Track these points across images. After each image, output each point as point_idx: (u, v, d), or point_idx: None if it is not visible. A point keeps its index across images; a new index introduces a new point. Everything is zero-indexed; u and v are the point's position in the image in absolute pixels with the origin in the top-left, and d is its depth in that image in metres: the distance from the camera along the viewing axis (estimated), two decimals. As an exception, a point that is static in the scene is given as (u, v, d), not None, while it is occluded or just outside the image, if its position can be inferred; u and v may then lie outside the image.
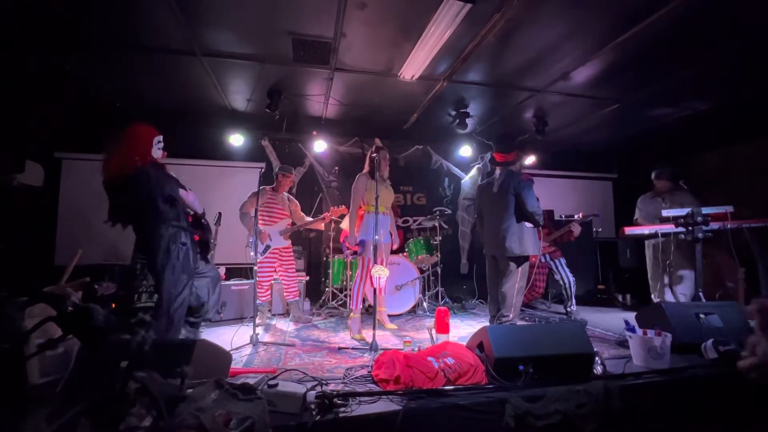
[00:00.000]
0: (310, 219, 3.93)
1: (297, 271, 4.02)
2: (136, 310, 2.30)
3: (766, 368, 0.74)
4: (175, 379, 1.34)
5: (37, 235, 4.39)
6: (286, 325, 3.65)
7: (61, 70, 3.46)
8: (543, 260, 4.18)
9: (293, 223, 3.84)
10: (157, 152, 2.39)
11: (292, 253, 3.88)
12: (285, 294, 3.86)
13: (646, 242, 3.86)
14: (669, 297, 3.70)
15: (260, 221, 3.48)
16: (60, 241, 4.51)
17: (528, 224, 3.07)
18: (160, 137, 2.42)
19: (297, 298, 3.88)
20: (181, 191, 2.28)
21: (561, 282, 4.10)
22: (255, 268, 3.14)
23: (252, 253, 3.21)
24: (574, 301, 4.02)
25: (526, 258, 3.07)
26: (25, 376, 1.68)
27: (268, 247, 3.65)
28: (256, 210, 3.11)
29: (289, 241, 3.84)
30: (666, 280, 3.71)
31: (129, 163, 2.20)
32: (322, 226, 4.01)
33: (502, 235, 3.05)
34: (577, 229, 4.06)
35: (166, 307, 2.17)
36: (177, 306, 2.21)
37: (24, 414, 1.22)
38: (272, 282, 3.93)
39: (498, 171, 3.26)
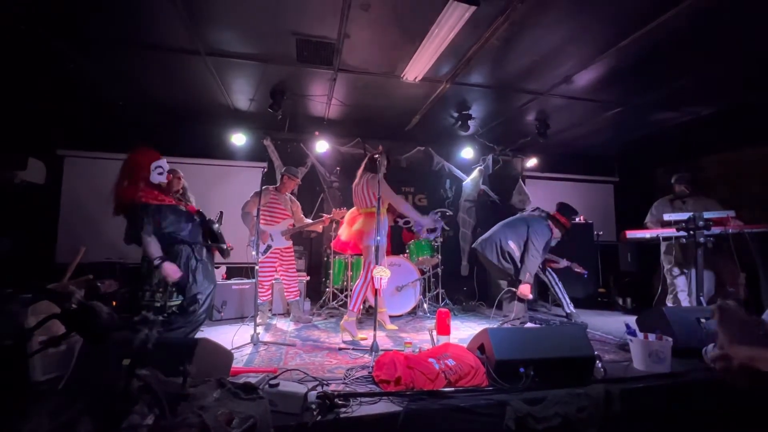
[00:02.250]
0: (309, 221, 3.92)
1: (297, 271, 4.02)
2: (140, 308, 2.31)
3: (726, 359, 0.81)
4: (177, 378, 1.35)
5: (38, 232, 4.40)
6: (286, 325, 3.65)
7: (64, 68, 3.47)
8: None
9: (295, 224, 3.85)
10: (156, 177, 2.41)
11: (293, 253, 3.89)
12: (285, 294, 3.87)
13: (664, 244, 3.82)
14: (684, 300, 3.68)
15: (262, 221, 3.48)
16: (61, 239, 4.52)
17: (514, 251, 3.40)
18: (160, 162, 2.44)
19: (297, 298, 3.88)
20: (147, 243, 2.33)
21: (545, 281, 4.10)
22: (256, 267, 3.14)
23: (253, 253, 3.21)
24: (568, 300, 4.00)
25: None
26: (27, 373, 1.68)
27: (269, 247, 3.65)
28: (258, 210, 3.12)
29: (291, 242, 3.84)
30: (682, 282, 3.70)
31: (124, 199, 2.34)
32: (320, 228, 3.98)
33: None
34: (563, 264, 4.03)
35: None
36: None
37: (26, 411, 1.22)
38: (273, 282, 3.94)
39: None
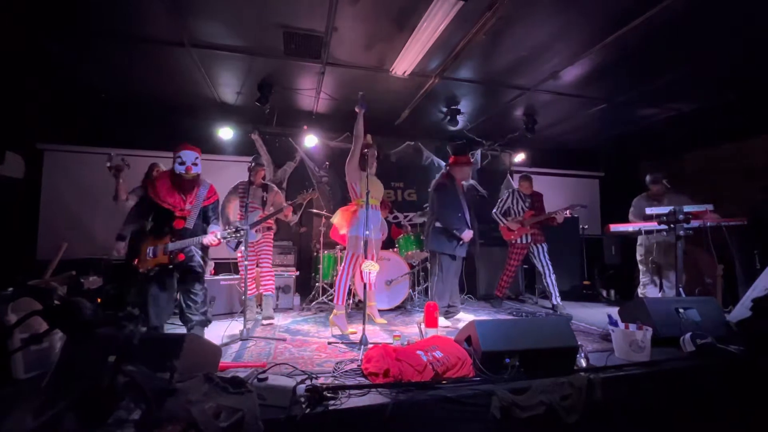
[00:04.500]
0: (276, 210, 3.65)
1: (287, 266, 3.96)
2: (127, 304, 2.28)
3: None
4: (164, 374, 1.34)
5: (18, 228, 4.28)
6: (275, 320, 3.63)
7: (45, 58, 3.36)
8: (523, 241, 4.24)
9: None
10: (177, 167, 2.56)
11: (269, 246, 3.74)
12: (260, 287, 3.72)
13: (639, 238, 4.01)
14: (651, 293, 3.81)
15: (231, 216, 3.47)
16: (42, 235, 4.40)
17: (437, 223, 3.51)
18: (181, 153, 2.57)
19: (269, 293, 3.68)
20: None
21: (540, 270, 4.18)
22: (246, 263, 3.12)
23: (242, 248, 3.16)
24: (557, 292, 4.09)
25: (432, 254, 3.64)
26: (9, 370, 1.65)
27: (239, 242, 3.51)
28: (246, 205, 3.08)
29: (262, 233, 3.66)
30: (651, 277, 3.86)
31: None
32: (289, 214, 3.75)
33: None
34: (560, 216, 4.15)
35: None
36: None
37: (9, 408, 1.21)
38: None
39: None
